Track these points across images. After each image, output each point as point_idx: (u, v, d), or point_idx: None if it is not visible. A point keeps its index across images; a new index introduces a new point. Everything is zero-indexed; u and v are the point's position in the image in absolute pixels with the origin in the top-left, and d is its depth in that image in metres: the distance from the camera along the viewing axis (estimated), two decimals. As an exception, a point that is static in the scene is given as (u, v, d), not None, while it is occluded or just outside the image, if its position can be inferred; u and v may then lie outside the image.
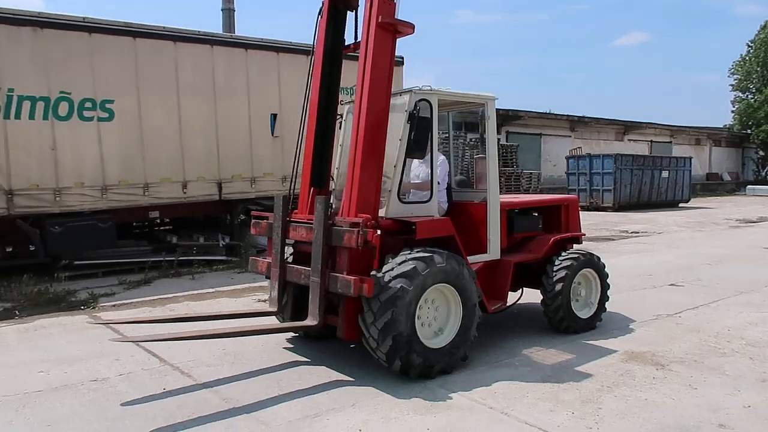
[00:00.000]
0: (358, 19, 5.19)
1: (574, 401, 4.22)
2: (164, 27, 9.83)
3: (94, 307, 7.45)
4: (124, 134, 9.36)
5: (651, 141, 36.02)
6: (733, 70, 47.19)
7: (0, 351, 5.66)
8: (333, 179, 5.63)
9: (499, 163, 22.52)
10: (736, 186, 38.89)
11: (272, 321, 5.45)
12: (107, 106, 9.18)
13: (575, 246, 6.39)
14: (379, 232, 4.50)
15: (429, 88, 5.15)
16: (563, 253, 5.90)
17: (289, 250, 5.37)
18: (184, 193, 10.01)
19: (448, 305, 4.80)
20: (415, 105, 4.92)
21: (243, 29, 23.84)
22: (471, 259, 5.22)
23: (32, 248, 9.23)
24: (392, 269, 4.45)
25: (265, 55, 10.80)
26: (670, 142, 37.42)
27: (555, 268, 5.71)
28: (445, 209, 5.63)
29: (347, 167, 4.91)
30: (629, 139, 34.35)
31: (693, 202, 26.37)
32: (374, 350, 4.49)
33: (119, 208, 9.47)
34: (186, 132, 9.95)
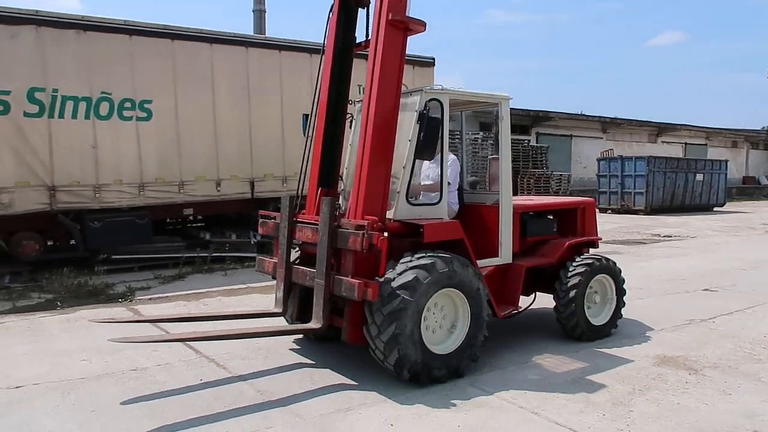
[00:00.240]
0: (370, 17, 5.05)
1: (604, 403, 4.23)
2: (201, 29, 10.07)
3: (131, 300, 7.68)
4: (162, 133, 9.62)
5: (685, 143, 35.28)
6: (772, 70, 45.84)
7: (44, 340, 5.89)
8: (342, 179, 5.52)
9: (528, 164, 22.08)
10: (773, 190, 37.83)
11: (279, 321, 5.39)
12: (146, 106, 9.44)
13: (591, 251, 6.23)
14: (385, 234, 4.43)
15: (440, 87, 5.08)
16: (578, 258, 5.73)
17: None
18: (218, 191, 10.23)
19: (456, 308, 4.70)
20: (426, 105, 4.80)
21: (273, 30, 24.15)
22: (482, 262, 5.14)
23: (72, 242, 9.58)
24: (393, 279, 4.33)
25: (297, 57, 10.95)
26: (705, 144, 36.60)
27: (569, 274, 5.56)
28: (455, 211, 5.53)
29: (355, 168, 4.86)
30: (662, 141, 33.72)
31: (728, 206, 25.77)
32: (382, 362, 4.43)
33: (155, 205, 9.74)
34: (220, 132, 10.17)
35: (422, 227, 4.63)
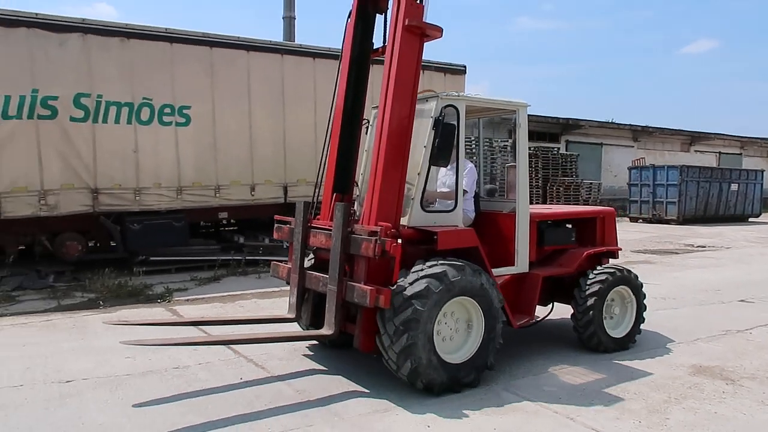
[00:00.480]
0: (388, 23, 5.03)
1: (640, 410, 4.24)
2: (238, 37, 10.33)
3: (169, 301, 7.91)
4: (199, 139, 9.89)
5: (719, 152, 34.58)
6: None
7: (89, 337, 6.11)
8: (357, 185, 5.48)
9: (558, 172, 21.94)
10: (812, 201, 36.78)
11: (293, 327, 5.41)
12: (184, 111, 9.73)
13: (611, 261, 6.12)
14: (399, 241, 4.39)
15: (456, 94, 5.08)
16: (597, 269, 5.62)
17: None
18: (252, 195, 10.46)
19: (469, 316, 4.64)
20: (441, 111, 4.76)
21: (303, 36, 24.52)
22: (497, 271, 5.09)
23: (113, 244, 9.89)
24: (405, 289, 4.29)
25: (331, 63, 11.09)
26: (740, 153, 35.81)
27: (587, 284, 5.47)
28: (471, 219, 5.46)
29: (370, 174, 4.82)
30: (696, 150, 33.10)
31: (764, 217, 25.20)
32: (395, 372, 4.40)
33: (192, 209, 10.01)
34: (256, 137, 10.41)
35: (436, 234, 4.60)
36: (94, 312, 7.24)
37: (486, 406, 4.29)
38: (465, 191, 5.19)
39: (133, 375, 4.92)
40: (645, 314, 5.91)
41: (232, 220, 12.09)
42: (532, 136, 25.72)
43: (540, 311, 5.84)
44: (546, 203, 20.61)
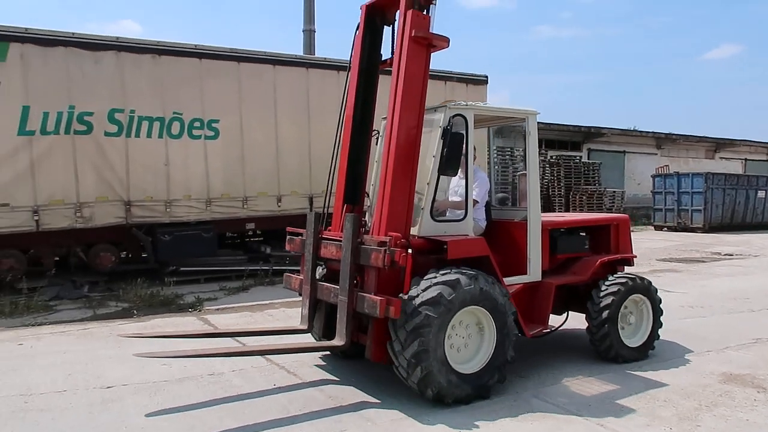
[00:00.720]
0: (395, 34, 5.08)
1: (671, 417, 4.26)
2: (264, 52, 10.59)
3: (200, 310, 8.10)
4: (228, 151, 10.13)
5: (745, 159, 34.05)
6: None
7: (125, 345, 6.28)
8: (368, 196, 5.47)
9: (580, 180, 21.73)
10: (843, 208, 35.91)
11: (307, 338, 5.46)
12: (213, 125, 9.99)
13: (626, 269, 6.03)
14: (410, 251, 4.41)
15: (464, 103, 5.11)
16: (611, 277, 5.55)
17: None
18: (279, 206, 10.66)
19: (481, 326, 4.62)
20: (449, 120, 4.77)
21: (322, 48, 24.79)
22: (510, 280, 5.07)
23: (144, 255, 10.15)
24: (417, 296, 4.29)
25: (355, 77, 11.30)
26: (767, 160, 35.21)
27: (601, 293, 5.40)
28: (482, 228, 5.45)
29: (379, 184, 4.85)
30: (721, 157, 32.64)
31: (793, 225, 24.66)
32: (405, 379, 4.38)
33: (220, 220, 10.23)
34: (282, 149, 10.62)
35: (446, 244, 4.60)
36: (128, 321, 7.46)
37: (517, 413, 4.34)
38: (476, 201, 5.22)
39: (170, 381, 5.07)
40: (673, 323, 5.92)
41: (258, 231, 12.32)
42: (554, 144, 25.70)
43: (556, 320, 5.81)
44: (569, 212, 20.53)
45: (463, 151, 4.82)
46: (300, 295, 5.32)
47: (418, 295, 4.30)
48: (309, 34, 24.37)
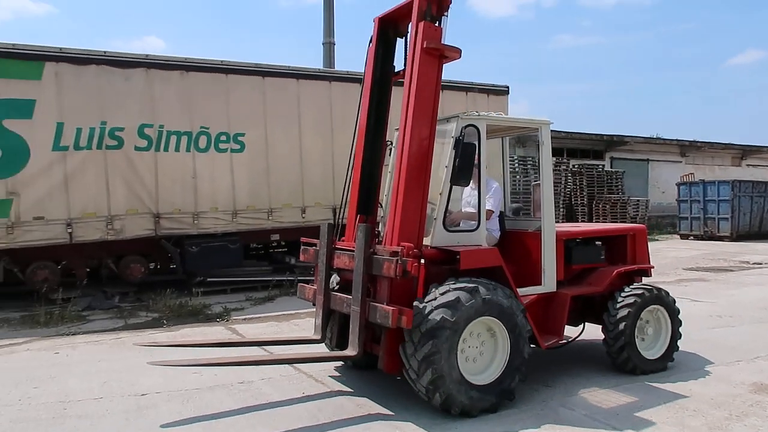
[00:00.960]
0: (408, 46, 5.10)
1: (700, 427, 4.23)
2: (288, 66, 10.81)
3: (227, 320, 8.24)
4: (253, 164, 10.34)
5: (773, 166, 33.43)
6: None
7: (157, 354, 6.37)
8: (381, 206, 5.47)
9: (603, 189, 21.50)
10: None
11: (320, 348, 5.48)
12: (239, 138, 10.21)
13: (644, 280, 5.96)
14: (422, 261, 4.42)
15: (476, 113, 5.13)
16: (627, 288, 5.48)
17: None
18: (303, 217, 10.81)
19: (495, 339, 4.58)
20: (461, 131, 4.80)
21: (342, 61, 25.11)
22: (524, 291, 5.05)
23: (172, 266, 10.36)
24: (435, 299, 4.30)
25: (377, 89, 11.45)
26: (796, 166, 34.50)
27: (617, 304, 5.34)
28: (496, 238, 5.45)
29: (392, 194, 4.88)
30: (747, 165, 32.10)
31: (824, 233, 24.11)
32: (414, 382, 4.35)
33: (246, 231, 10.41)
34: (306, 161, 10.80)
35: (458, 254, 4.60)
36: (159, 330, 7.63)
37: (545, 422, 4.36)
38: (492, 211, 5.23)
39: (202, 389, 5.19)
40: (701, 333, 5.87)
41: (282, 242, 12.48)
42: (576, 153, 25.56)
43: (572, 332, 5.80)
44: (592, 221, 20.36)
45: (476, 161, 4.81)
46: (314, 305, 5.35)
47: (435, 298, 4.32)
48: (329, 47, 24.70)
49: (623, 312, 5.31)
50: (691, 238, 21.45)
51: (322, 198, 10.98)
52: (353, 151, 5.38)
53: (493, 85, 13.05)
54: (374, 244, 4.70)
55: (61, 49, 8.95)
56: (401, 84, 4.95)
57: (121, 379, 5.49)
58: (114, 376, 5.60)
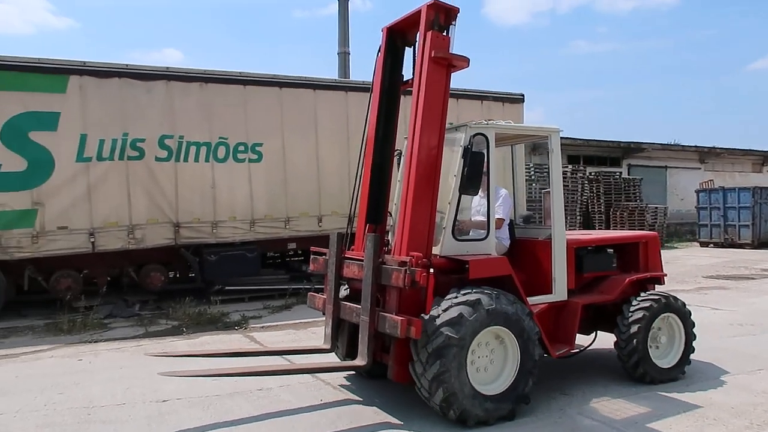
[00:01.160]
0: (416, 55, 5.10)
1: (721, 436, 4.21)
2: (306, 77, 10.95)
3: (246, 328, 8.33)
4: (270, 173, 10.48)
5: (795, 172, 32.89)
6: None
7: (177, 361, 6.49)
8: (391, 216, 5.46)
9: (621, 197, 21.29)
10: None
11: (330, 357, 5.48)
12: (257, 148, 10.36)
13: (659, 287, 5.90)
14: (431, 270, 4.41)
15: (484, 122, 5.13)
16: (639, 296, 5.43)
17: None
18: (319, 226, 10.90)
19: (504, 346, 4.56)
20: (470, 140, 4.80)
21: (357, 70, 25.24)
22: (534, 299, 5.03)
23: (192, 274, 10.50)
24: (438, 316, 4.27)
25: (392, 98, 11.54)
26: (819, 173, 33.92)
27: (629, 313, 5.29)
28: (506, 246, 5.43)
29: (400, 204, 4.88)
30: (769, 171, 31.64)
31: None
32: (428, 400, 4.35)
33: (264, 240, 10.53)
34: (323, 170, 10.91)
35: (468, 263, 4.59)
36: (178, 338, 7.74)
37: (562, 430, 4.36)
38: (503, 219, 5.24)
39: (222, 396, 5.27)
40: (722, 341, 5.82)
41: (299, 251, 12.58)
42: (593, 160, 25.41)
43: (585, 340, 5.74)
44: (609, 229, 20.20)
45: (484, 169, 4.81)
46: (324, 314, 5.37)
47: (438, 316, 4.28)
48: (344, 56, 24.96)
49: (635, 320, 5.27)
50: (711, 245, 21.18)
51: (339, 207, 11.04)
52: (362, 160, 5.40)
53: (508, 94, 13.08)
54: (383, 254, 4.71)
55: (84, 62, 9.18)
56: (410, 93, 4.97)
57: (143, 385, 5.59)
58: (136, 382, 5.70)
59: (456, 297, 4.36)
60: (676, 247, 21.11)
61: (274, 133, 10.51)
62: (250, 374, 5.07)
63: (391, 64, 5.37)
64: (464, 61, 4.85)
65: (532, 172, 19.12)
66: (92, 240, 9.12)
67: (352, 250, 5.31)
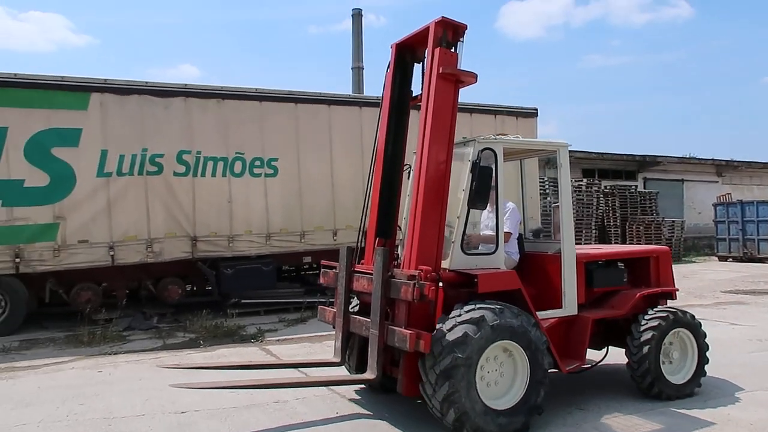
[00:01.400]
0: (425, 71, 5.16)
1: (738, 452, 4.18)
2: (320, 93, 11.12)
3: (261, 341, 8.40)
4: (286, 188, 10.61)
5: (815, 185, 32.42)
6: None
7: (194, 373, 6.57)
8: (400, 229, 5.51)
9: (637, 211, 21.12)
10: None
11: (342, 370, 5.53)
12: (273, 163, 10.51)
13: (672, 303, 5.88)
14: (440, 284, 4.44)
15: (493, 137, 5.16)
16: (651, 311, 5.38)
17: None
18: (334, 240, 10.98)
19: (513, 359, 4.53)
20: (478, 154, 4.83)
21: (370, 85, 25.37)
22: (544, 314, 5.01)
23: (209, 287, 10.63)
24: (443, 336, 4.24)
25: (406, 113, 11.66)
26: (839, 186, 33.41)
27: (641, 328, 5.25)
28: (515, 261, 5.45)
29: (409, 218, 4.94)
30: (788, 184, 31.22)
31: None
32: (441, 419, 4.35)
33: (279, 253, 10.64)
34: (337, 185, 11.03)
35: (477, 277, 4.59)
36: (195, 351, 7.83)
37: (576, 443, 4.37)
38: (510, 233, 5.25)
39: (239, 408, 5.33)
40: (741, 357, 5.75)
41: (314, 264, 12.67)
42: (608, 174, 25.28)
43: (596, 355, 5.71)
44: (625, 243, 20.05)
45: (492, 184, 4.85)
46: (334, 327, 5.40)
47: (444, 335, 4.26)
48: (357, 71, 25.24)
49: (647, 335, 5.23)
50: (730, 260, 20.92)
51: (353, 221, 11.04)
52: (372, 175, 5.45)
53: (522, 108, 13.14)
54: (392, 268, 4.76)
55: (105, 80, 9.42)
56: (419, 108, 5.04)
57: (161, 397, 5.67)
58: (155, 394, 5.78)
59: (459, 315, 4.34)
60: (694, 261, 20.88)
61: (290, 148, 10.65)
62: (261, 387, 5.14)
63: (401, 80, 5.45)
64: (472, 77, 4.90)
65: (547, 186, 19.11)
66: (112, 253, 9.29)
67: (363, 263, 5.36)
